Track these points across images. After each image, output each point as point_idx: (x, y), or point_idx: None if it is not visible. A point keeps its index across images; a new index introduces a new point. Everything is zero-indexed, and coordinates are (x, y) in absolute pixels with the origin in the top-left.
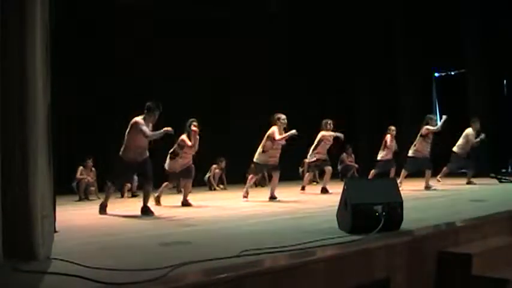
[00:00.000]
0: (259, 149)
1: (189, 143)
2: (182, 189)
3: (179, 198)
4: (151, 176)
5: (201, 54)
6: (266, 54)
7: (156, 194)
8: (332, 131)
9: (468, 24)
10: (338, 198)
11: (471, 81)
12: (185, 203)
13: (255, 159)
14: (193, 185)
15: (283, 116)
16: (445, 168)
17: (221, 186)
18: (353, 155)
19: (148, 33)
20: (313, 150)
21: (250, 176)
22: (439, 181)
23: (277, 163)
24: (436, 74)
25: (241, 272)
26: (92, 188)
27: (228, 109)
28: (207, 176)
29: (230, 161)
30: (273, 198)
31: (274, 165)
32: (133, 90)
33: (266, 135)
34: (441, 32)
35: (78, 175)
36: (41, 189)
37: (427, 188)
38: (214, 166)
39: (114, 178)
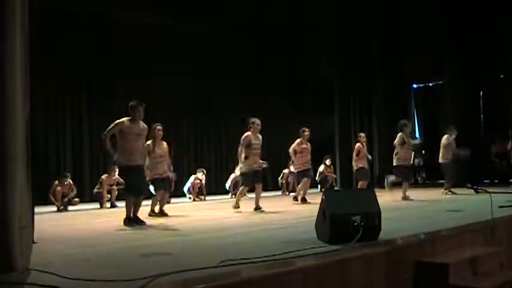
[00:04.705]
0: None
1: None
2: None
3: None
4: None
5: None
6: (249, 59)
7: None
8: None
9: (448, 37)
10: (317, 208)
11: (448, 92)
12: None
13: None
14: (172, 196)
15: (257, 121)
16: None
17: (201, 197)
18: (332, 166)
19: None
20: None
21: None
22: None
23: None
24: (415, 86)
25: (219, 282)
26: (76, 200)
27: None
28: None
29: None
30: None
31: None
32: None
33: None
34: (421, 44)
35: (52, 189)
36: (20, 200)
37: (405, 198)
38: (193, 177)
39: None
